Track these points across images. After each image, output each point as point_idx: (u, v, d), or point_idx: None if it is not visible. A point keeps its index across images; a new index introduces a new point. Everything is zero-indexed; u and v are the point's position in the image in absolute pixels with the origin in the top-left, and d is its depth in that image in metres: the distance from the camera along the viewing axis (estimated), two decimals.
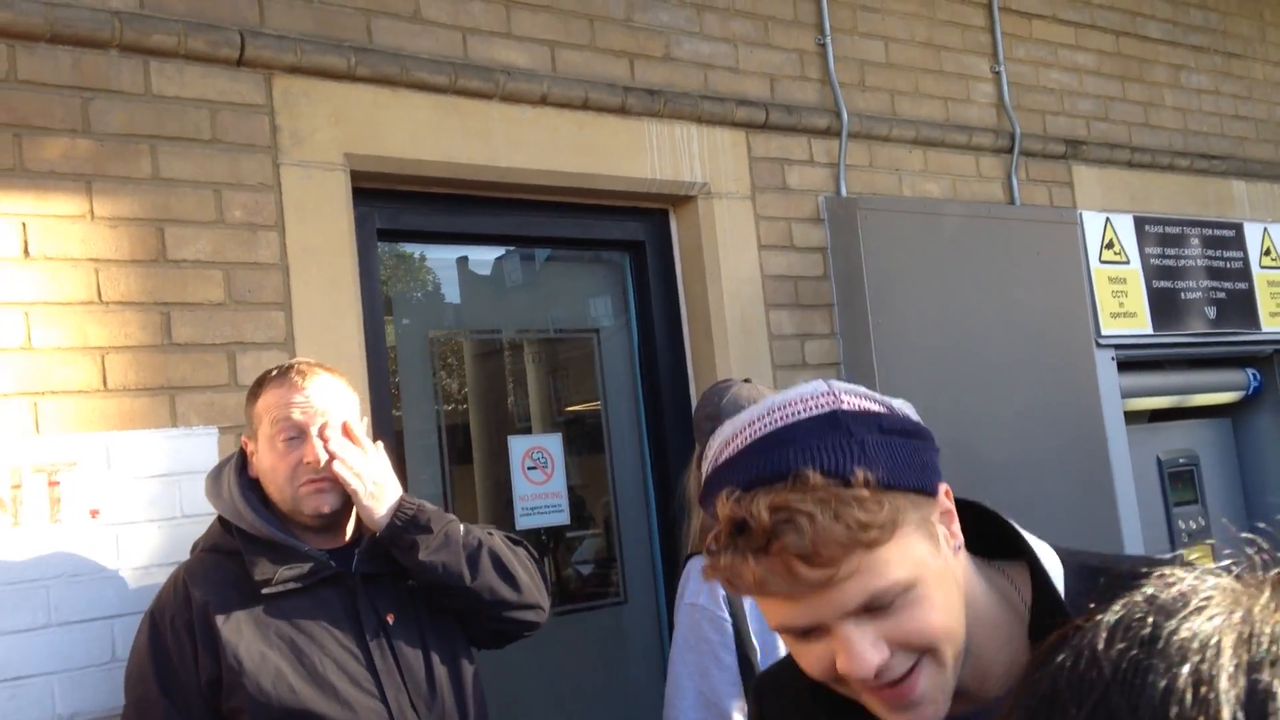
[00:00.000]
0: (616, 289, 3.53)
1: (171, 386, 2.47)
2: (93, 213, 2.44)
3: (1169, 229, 3.10)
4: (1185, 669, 0.39)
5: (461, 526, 2.08)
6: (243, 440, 2.14)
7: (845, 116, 3.64)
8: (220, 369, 2.54)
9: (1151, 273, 3.01)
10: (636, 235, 3.42)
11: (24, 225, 2.35)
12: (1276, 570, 0.45)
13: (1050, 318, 2.96)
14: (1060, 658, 0.43)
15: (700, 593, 2.29)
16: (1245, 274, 3.22)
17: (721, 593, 2.29)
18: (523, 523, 3.16)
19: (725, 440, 1.10)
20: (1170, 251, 3.07)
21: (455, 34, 2.98)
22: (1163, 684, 0.39)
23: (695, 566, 2.37)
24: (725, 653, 2.24)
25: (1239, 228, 3.27)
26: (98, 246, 2.43)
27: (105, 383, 2.39)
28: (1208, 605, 0.42)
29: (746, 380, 2.67)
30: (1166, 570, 0.46)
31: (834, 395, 1.08)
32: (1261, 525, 0.50)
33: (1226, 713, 0.37)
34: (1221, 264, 3.17)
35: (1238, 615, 0.41)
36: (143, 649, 1.97)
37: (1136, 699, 0.39)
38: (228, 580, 1.98)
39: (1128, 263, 2.97)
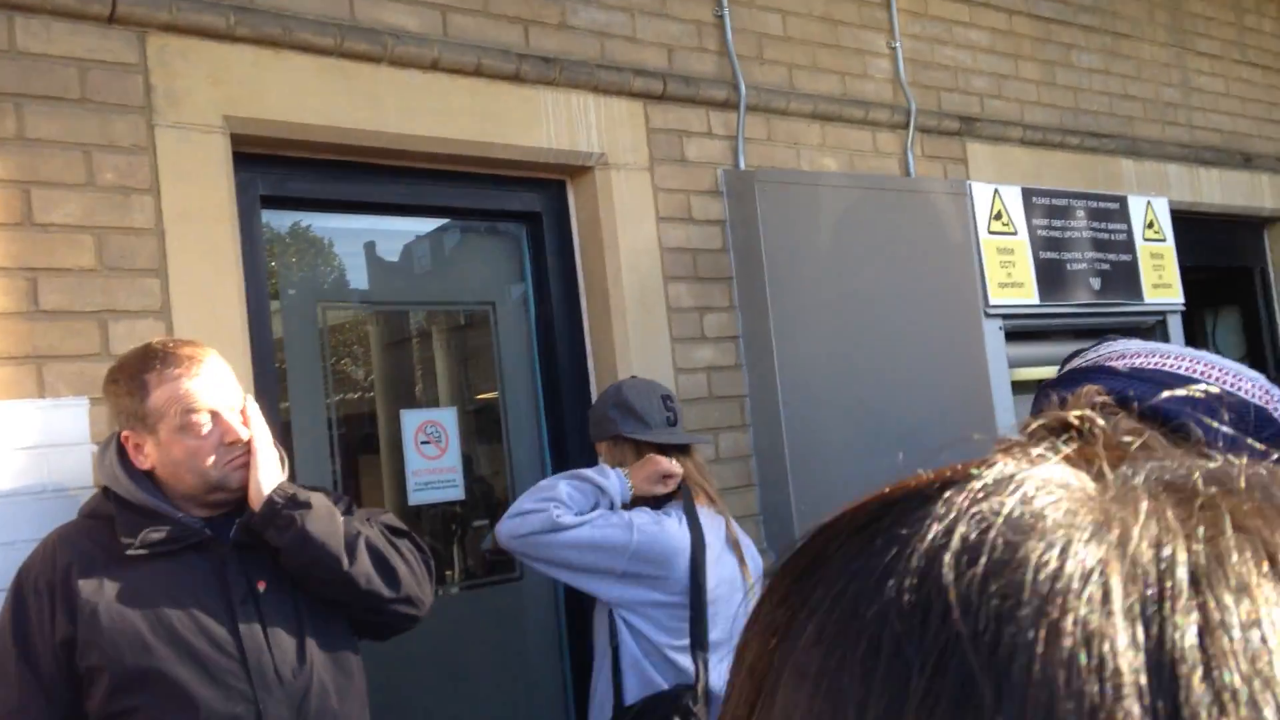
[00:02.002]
0: (513, 261, 3.48)
1: (39, 355, 2.36)
2: None
3: (1055, 201, 3.17)
4: (1070, 624, 0.29)
5: (341, 517, 2.06)
6: (123, 436, 2.05)
7: (743, 89, 3.63)
8: (91, 337, 2.44)
9: (1039, 244, 3.07)
10: (533, 206, 3.38)
11: None
12: (1151, 468, 0.34)
13: (941, 287, 3.01)
14: (887, 576, 0.32)
15: (644, 519, 2.47)
16: (1129, 246, 3.30)
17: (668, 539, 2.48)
18: (415, 498, 3.10)
19: (1132, 352, 1.01)
20: (1057, 223, 3.13)
21: None
22: (1041, 647, 0.29)
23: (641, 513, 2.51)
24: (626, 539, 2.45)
25: (1123, 200, 3.36)
26: None
27: None
28: (1073, 524, 0.32)
29: (633, 377, 2.82)
30: (999, 459, 0.36)
31: (1273, 400, 0.99)
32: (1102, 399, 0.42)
33: (1129, 683, 0.28)
34: (1106, 236, 3.25)
35: (1114, 536, 0.31)
36: (6, 608, 1.98)
37: (1005, 667, 0.29)
38: (98, 543, 1.99)
39: (1015, 233, 3.02)
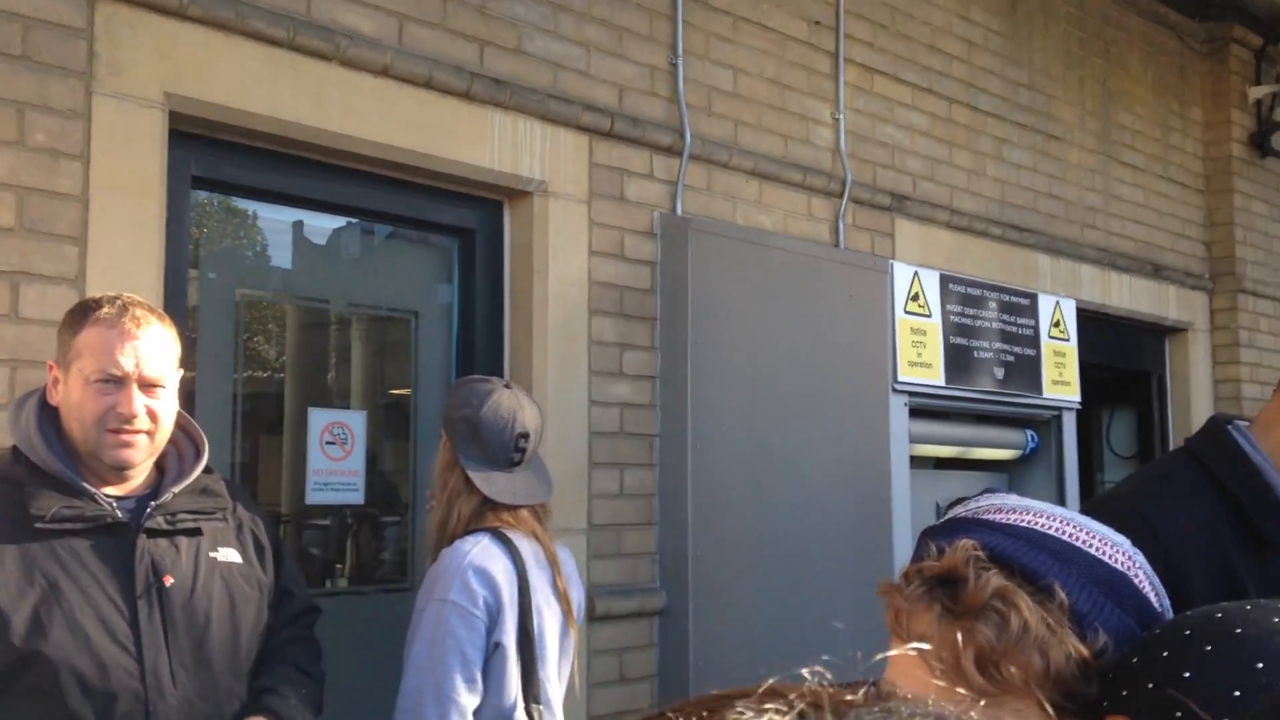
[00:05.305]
0: (441, 272, 3.49)
1: None
2: None
3: (970, 290, 3.28)
4: None
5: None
6: (49, 364, 2.00)
7: (689, 138, 3.70)
8: (1, 298, 2.38)
9: (950, 328, 3.18)
10: (468, 223, 3.40)
11: None
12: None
13: (854, 358, 3.09)
14: None
15: (455, 590, 2.22)
16: (1035, 341, 3.43)
17: (482, 593, 2.23)
18: (313, 498, 3.07)
19: (1009, 508, 1.06)
20: (970, 311, 3.24)
21: None
22: None
23: (451, 562, 2.25)
24: (472, 650, 2.22)
25: (1034, 297, 3.49)
26: None
27: None
28: None
29: (508, 386, 2.45)
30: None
31: (1135, 567, 1.02)
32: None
33: None
34: (1014, 329, 3.37)
35: None
36: None
37: None
38: (6, 510, 1.87)
39: (929, 316, 3.12)
